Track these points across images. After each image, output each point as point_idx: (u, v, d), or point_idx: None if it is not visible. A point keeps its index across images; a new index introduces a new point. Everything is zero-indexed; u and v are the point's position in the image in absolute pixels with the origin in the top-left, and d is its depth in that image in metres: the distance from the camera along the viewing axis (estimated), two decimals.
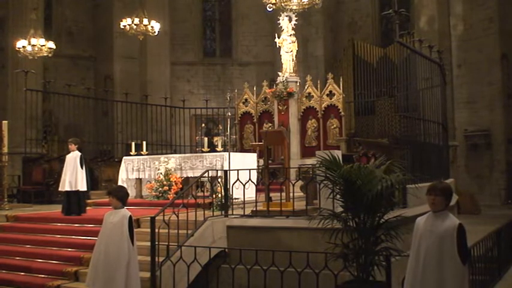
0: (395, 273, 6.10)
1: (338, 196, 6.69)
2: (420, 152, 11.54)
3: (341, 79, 13.92)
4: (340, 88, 13.72)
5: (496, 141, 21.30)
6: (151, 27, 16.95)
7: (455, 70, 21.31)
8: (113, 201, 6.65)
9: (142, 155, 12.27)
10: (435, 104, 13.34)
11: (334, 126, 13.70)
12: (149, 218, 7.68)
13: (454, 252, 4.80)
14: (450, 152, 17.65)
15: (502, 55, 21.16)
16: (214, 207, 8.99)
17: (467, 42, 21.87)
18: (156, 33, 17.33)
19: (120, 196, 6.69)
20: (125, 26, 16.66)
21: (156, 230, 7.54)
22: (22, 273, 8.30)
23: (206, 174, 9.57)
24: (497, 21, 21.24)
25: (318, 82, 14.19)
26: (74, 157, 10.19)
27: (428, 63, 12.92)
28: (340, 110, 13.68)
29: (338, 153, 7.47)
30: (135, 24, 16.64)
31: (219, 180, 9.33)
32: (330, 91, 13.80)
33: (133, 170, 11.88)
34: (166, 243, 7.58)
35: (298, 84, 14.07)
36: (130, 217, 6.57)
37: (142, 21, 16.76)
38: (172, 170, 11.08)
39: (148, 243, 7.57)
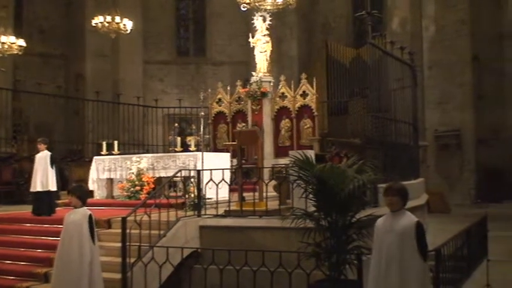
0: (366, 271, 6.13)
1: (311, 195, 6.74)
2: (391, 152, 11.66)
3: (314, 79, 13.97)
4: (313, 88, 13.76)
5: (466, 141, 21.64)
6: (124, 25, 16.83)
7: (426, 71, 21.58)
8: (73, 200, 6.64)
9: (113, 154, 12.15)
10: (406, 104, 13.50)
11: (308, 126, 13.74)
12: (120, 219, 7.60)
13: (414, 250, 4.94)
14: (420, 152, 17.85)
15: (473, 57, 21.49)
16: (187, 207, 8.95)
17: (439, 43, 22.16)
18: (128, 32, 17.23)
19: (80, 195, 6.66)
20: (97, 24, 16.50)
21: (128, 231, 7.48)
22: None
23: (179, 174, 9.52)
24: (469, 23, 21.57)
25: (292, 82, 14.22)
26: (43, 156, 10.04)
27: (399, 64, 13.07)
28: (314, 110, 13.72)
29: (311, 153, 7.51)
30: (107, 22, 16.49)
31: (192, 180, 9.29)
32: (304, 91, 13.84)
33: (105, 169, 11.75)
34: (138, 244, 7.52)
35: (272, 84, 14.09)
36: (90, 216, 6.53)
37: (114, 19, 16.63)
38: (145, 169, 10.99)
39: (120, 244, 7.49)
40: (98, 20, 16.47)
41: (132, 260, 7.41)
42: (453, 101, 21.86)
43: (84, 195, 6.75)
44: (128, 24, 16.93)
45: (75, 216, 6.55)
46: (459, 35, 21.76)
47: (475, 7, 21.58)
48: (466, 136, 21.64)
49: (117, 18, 16.66)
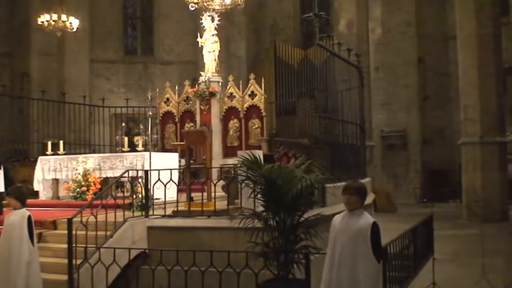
0: (314, 270, 6.20)
1: (259, 195, 6.75)
2: (339, 152, 11.83)
3: (263, 80, 14.02)
4: (262, 89, 13.81)
5: (411, 141, 22.19)
6: (70, 23, 16.53)
7: (373, 73, 22.01)
8: (12, 201, 6.56)
9: (59, 154, 11.90)
10: (353, 105, 13.73)
11: (256, 126, 13.78)
12: (66, 220, 7.48)
13: (368, 250, 4.89)
14: (367, 152, 18.19)
15: (419, 58, 22.06)
16: (135, 208, 8.84)
17: (385, 45, 22.66)
18: (74, 30, 16.93)
19: (18, 196, 6.58)
20: (43, 22, 16.13)
21: (74, 232, 7.34)
22: None
23: (126, 174, 9.39)
24: (415, 25, 22.15)
25: (240, 82, 14.24)
26: None
27: (346, 65, 13.27)
28: (262, 110, 13.77)
29: (259, 153, 7.53)
30: (53, 20, 16.17)
31: (140, 180, 9.18)
32: (252, 91, 13.87)
33: (50, 170, 11.49)
34: (84, 246, 7.39)
35: (220, 84, 14.06)
36: (29, 217, 6.46)
37: (60, 17, 16.31)
38: (91, 170, 10.80)
39: (66, 246, 7.36)
40: (43, 18, 16.11)
41: (79, 261, 7.29)
42: (399, 102, 22.40)
43: (22, 196, 6.66)
44: (74, 23, 16.63)
45: (15, 218, 6.48)
46: (405, 37, 22.32)
47: (420, 10, 22.18)
48: (411, 136, 22.21)
49: (64, 16, 16.34)
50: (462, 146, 16.14)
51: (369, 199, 13.08)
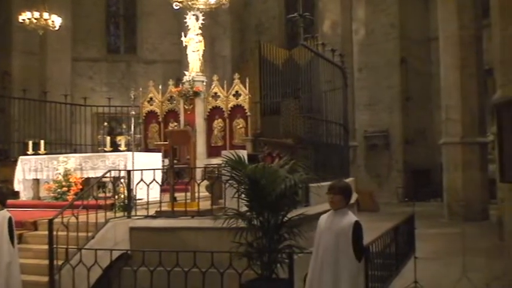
0: (298, 270, 6.20)
1: (243, 195, 6.74)
2: (323, 152, 11.85)
3: (247, 80, 13.99)
4: (246, 88, 13.79)
5: (394, 141, 22.33)
6: (52, 21, 16.37)
7: (356, 73, 22.09)
8: None
9: (40, 154, 11.78)
10: (337, 106, 13.76)
11: (240, 126, 13.76)
12: (47, 221, 7.42)
13: (349, 249, 4.92)
14: (351, 152, 18.24)
15: (402, 59, 22.19)
16: (117, 209, 8.78)
17: (368, 46, 22.76)
18: (57, 28, 16.76)
19: None
20: (24, 19, 15.96)
21: (55, 233, 7.30)
22: None
23: (108, 175, 9.31)
24: (398, 26, 22.28)
25: (225, 82, 14.20)
26: None
27: (331, 66, 13.31)
28: (246, 110, 13.75)
29: (243, 153, 7.54)
30: (35, 18, 15.99)
31: (122, 180, 9.11)
32: (237, 91, 13.84)
33: (31, 170, 11.37)
34: (65, 247, 7.32)
35: (204, 83, 14.00)
36: (10, 218, 6.43)
37: (43, 15, 16.14)
38: (72, 170, 10.69)
39: (46, 247, 7.31)
40: (25, 16, 15.94)
41: (60, 262, 7.24)
42: (382, 103, 22.52)
43: (2, 197, 6.63)
44: (56, 21, 16.48)
45: None
46: (388, 38, 22.45)
47: (403, 11, 22.32)
48: (394, 137, 22.35)
49: (46, 15, 16.18)
50: (443, 146, 16.26)
51: (353, 199, 13.10)
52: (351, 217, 5.06)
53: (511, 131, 4.74)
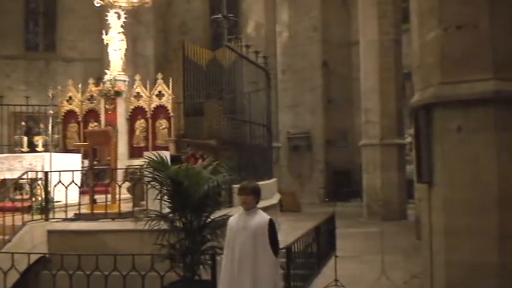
0: (220, 271, 6.19)
1: (166, 197, 6.67)
2: (246, 153, 11.91)
3: (171, 80, 13.87)
4: (169, 89, 13.67)
5: (316, 142, 22.76)
6: None
7: (280, 75, 22.37)
8: None
9: None
10: (261, 107, 13.88)
11: (163, 126, 13.63)
12: None
13: (266, 245, 5.08)
14: (274, 152, 18.45)
15: (323, 62, 22.66)
16: (34, 211, 8.49)
17: (291, 49, 23.11)
18: None
19: None
20: None
21: None
22: None
23: (25, 176, 8.98)
24: (320, 30, 22.73)
25: (148, 82, 14.01)
26: None
27: (254, 67, 13.40)
28: (170, 111, 13.63)
29: (166, 154, 7.47)
30: None
31: (40, 182, 8.81)
32: (160, 91, 13.69)
33: None
34: None
35: (126, 83, 13.76)
36: None
37: None
38: None
39: None
40: None
41: None
42: (304, 105, 22.91)
43: None
44: None
45: None
46: (311, 41, 22.87)
47: (326, 15, 22.80)
48: (316, 138, 22.78)
49: None
50: (363, 147, 16.71)
51: (275, 199, 13.25)
52: (263, 215, 5.24)
53: (428, 133, 4.94)
